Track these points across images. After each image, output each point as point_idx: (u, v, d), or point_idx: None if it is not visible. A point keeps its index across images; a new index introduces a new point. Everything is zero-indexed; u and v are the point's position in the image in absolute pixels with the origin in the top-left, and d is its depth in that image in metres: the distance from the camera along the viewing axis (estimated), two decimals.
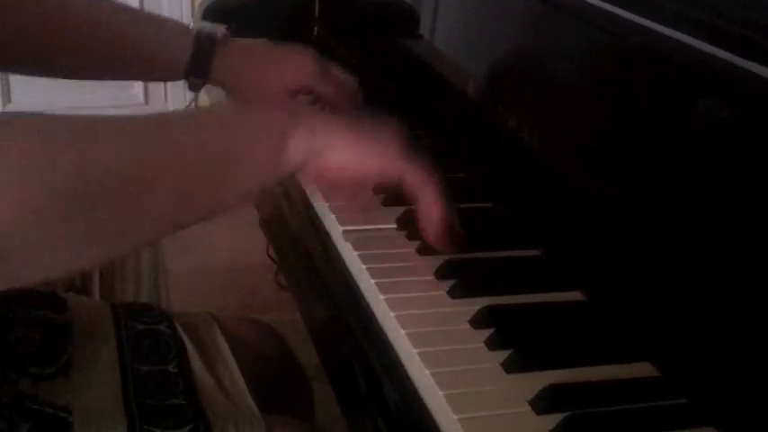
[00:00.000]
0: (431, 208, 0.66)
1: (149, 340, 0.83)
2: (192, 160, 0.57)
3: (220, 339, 0.86)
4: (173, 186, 0.56)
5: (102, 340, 0.81)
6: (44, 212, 0.49)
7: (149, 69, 0.90)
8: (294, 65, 0.90)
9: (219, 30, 0.88)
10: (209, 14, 1.34)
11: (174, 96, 2.58)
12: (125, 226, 0.54)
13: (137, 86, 2.57)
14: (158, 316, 0.87)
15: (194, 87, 0.90)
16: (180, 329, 0.85)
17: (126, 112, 2.59)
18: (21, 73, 0.94)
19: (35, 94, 2.48)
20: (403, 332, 0.60)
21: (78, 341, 0.79)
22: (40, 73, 0.89)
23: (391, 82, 1.14)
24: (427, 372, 0.56)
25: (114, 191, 0.52)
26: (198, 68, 0.88)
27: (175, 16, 2.57)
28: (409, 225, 0.72)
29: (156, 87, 2.58)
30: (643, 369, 0.58)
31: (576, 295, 0.66)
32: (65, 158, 0.50)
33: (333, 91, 0.90)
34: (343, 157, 0.63)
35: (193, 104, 1.04)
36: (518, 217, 0.78)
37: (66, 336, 0.80)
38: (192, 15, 2.55)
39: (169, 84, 2.54)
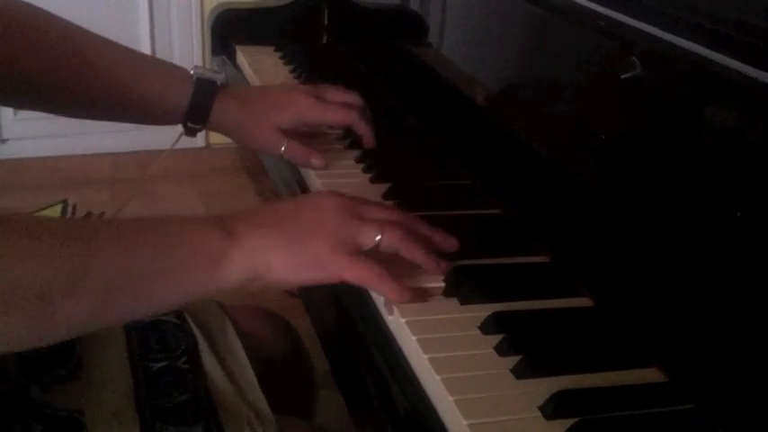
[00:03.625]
0: (387, 295, 0.65)
1: (157, 335, 0.83)
2: (114, 274, 0.57)
3: (231, 332, 0.86)
4: (92, 297, 0.57)
5: (109, 339, 0.81)
6: None
7: (149, 113, 0.91)
8: (288, 103, 0.90)
9: (218, 77, 0.89)
10: (218, 23, 1.35)
11: None
12: (38, 329, 0.56)
13: None
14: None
15: (191, 133, 0.91)
16: (189, 321, 0.85)
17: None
18: (21, 108, 0.94)
19: None
20: (413, 338, 0.60)
21: (86, 341, 0.79)
22: (40, 108, 0.90)
23: (399, 89, 1.14)
24: (437, 377, 0.56)
25: (31, 298, 0.54)
26: (197, 114, 0.89)
27: (185, 25, 2.59)
28: None
29: None
30: (651, 374, 0.58)
31: (584, 301, 0.67)
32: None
33: (333, 114, 0.90)
34: (284, 279, 0.64)
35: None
36: (526, 223, 0.78)
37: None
38: (202, 24, 2.56)
39: None
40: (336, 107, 0.90)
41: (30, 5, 0.84)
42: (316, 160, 0.89)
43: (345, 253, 0.64)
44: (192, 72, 0.89)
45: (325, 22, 1.40)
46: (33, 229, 0.56)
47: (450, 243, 0.69)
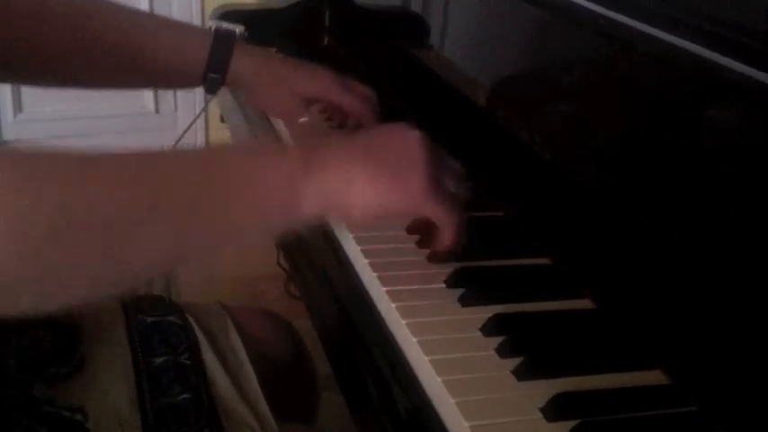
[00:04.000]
0: (445, 239, 0.65)
1: (160, 334, 0.83)
2: (187, 199, 0.55)
3: (233, 333, 0.86)
4: (167, 223, 0.54)
5: (112, 336, 0.81)
6: (29, 251, 0.48)
7: (168, 72, 0.90)
8: (313, 72, 0.90)
9: (239, 28, 0.89)
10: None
11: (183, 105, 2.59)
12: (116, 262, 0.53)
13: (147, 95, 2.58)
14: (168, 308, 0.87)
15: (211, 88, 0.89)
16: (191, 321, 0.85)
17: (136, 120, 2.60)
18: (40, 85, 0.93)
19: (46, 103, 2.50)
20: (414, 340, 0.60)
21: (89, 339, 0.80)
22: (61, 83, 0.89)
23: (400, 91, 1.14)
24: (438, 379, 0.56)
25: (106, 226, 0.51)
26: (216, 65, 0.87)
27: None
28: (419, 232, 0.73)
29: (166, 96, 2.59)
30: (653, 376, 0.58)
31: (585, 303, 0.67)
32: (49, 199, 0.49)
33: (351, 100, 0.90)
34: (366, 209, 0.61)
35: (204, 114, 1.04)
36: (528, 225, 0.78)
37: (76, 334, 0.80)
38: (202, 25, 2.57)
39: (179, 93, 2.55)
40: (356, 95, 0.90)
41: None
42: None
43: (437, 187, 0.62)
44: (210, 25, 0.89)
45: (327, 24, 1.40)
46: (98, 158, 0.53)
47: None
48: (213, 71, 0.88)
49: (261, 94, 0.91)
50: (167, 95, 2.60)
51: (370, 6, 1.31)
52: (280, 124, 0.99)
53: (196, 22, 2.59)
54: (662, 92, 0.65)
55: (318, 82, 0.89)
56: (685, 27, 0.65)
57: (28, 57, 0.81)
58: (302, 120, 0.88)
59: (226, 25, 0.89)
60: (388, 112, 1.11)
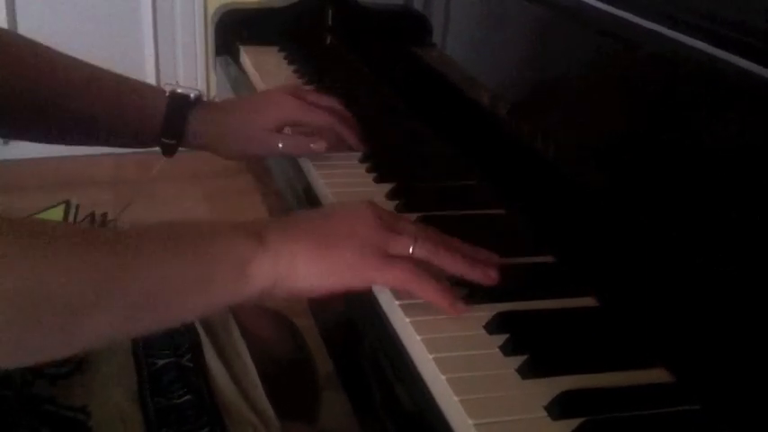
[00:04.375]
0: (427, 296, 0.63)
1: (162, 332, 0.83)
2: (142, 284, 0.56)
3: (235, 332, 0.86)
4: (119, 308, 0.55)
5: None
6: None
7: (125, 137, 0.90)
8: (271, 104, 0.90)
9: (192, 91, 0.89)
10: (222, 24, 1.35)
11: None
12: (64, 342, 0.55)
13: None
14: None
15: (167, 150, 0.90)
16: (194, 321, 0.85)
17: None
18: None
19: None
20: (418, 338, 0.60)
21: None
22: (13, 135, 0.89)
23: (402, 89, 1.14)
24: (443, 377, 0.56)
25: (59, 311, 0.52)
26: (171, 129, 0.88)
27: (188, 25, 2.59)
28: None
29: None
30: (658, 375, 0.58)
31: (589, 301, 0.66)
32: (8, 283, 0.50)
33: (318, 119, 0.90)
34: (309, 280, 0.61)
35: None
36: (531, 223, 0.78)
37: None
38: (205, 25, 2.57)
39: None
40: (318, 109, 0.91)
41: (3, 30, 0.84)
42: (316, 145, 0.88)
43: (377, 256, 0.62)
44: (165, 89, 0.89)
45: (329, 23, 1.40)
46: (56, 238, 0.54)
47: (486, 256, 0.66)
48: (168, 137, 0.89)
49: (230, 146, 0.91)
50: None
51: (372, 5, 1.31)
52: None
53: (199, 21, 2.59)
54: (665, 90, 0.65)
55: (278, 112, 0.89)
56: (690, 25, 0.65)
57: None
58: (279, 146, 0.89)
59: (181, 89, 0.89)
60: (390, 110, 1.11)
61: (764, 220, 0.53)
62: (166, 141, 0.89)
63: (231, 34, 1.35)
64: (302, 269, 0.61)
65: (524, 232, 0.77)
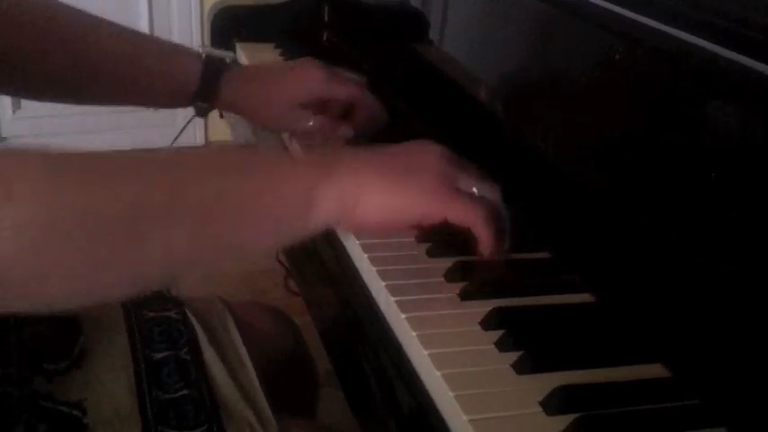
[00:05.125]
0: (481, 241, 0.63)
1: (160, 328, 0.83)
2: (205, 203, 0.55)
3: (233, 328, 0.86)
4: (184, 226, 0.54)
5: (112, 330, 0.81)
6: (49, 251, 0.49)
7: (159, 96, 0.91)
8: (300, 77, 0.90)
9: (229, 55, 0.89)
10: (218, 20, 1.35)
11: None
12: (132, 261, 0.53)
13: None
14: (168, 303, 0.87)
15: (201, 112, 0.91)
16: (191, 316, 0.85)
17: (134, 116, 2.60)
18: (30, 98, 0.94)
19: None
20: (414, 334, 0.60)
21: (89, 332, 0.80)
22: (53, 98, 0.90)
23: (400, 86, 1.14)
24: (438, 373, 0.56)
25: (123, 225, 0.51)
26: (205, 92, 0.88)
27: (184, 21, 2.59)
28: (428, 239, 0.72)
29: None
30: (654, 370, 0.58)
31: (585, 297, 0.67)
32: (72, 200, 0.50)
33: (345, 93, 0.90)
34: (378, 212, 0.61)
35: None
36: (528, 219, 0.78)
37: (76, 327, 0.80)
38: (201, 21, 2.56)
39: None
40: (346, 83, 0.90)
41: None
42: (341, 130, 0.88)
43: (446, 190, 0.61)
44: (200, 51, 0.89)
45: (326, 19, 1.40)
46: (129, 160, 0.54)
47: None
48: (201, 99, 0.89)
49: (256, 114, 0.92)
50: None
51: (369, 2, 1.31)
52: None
53: (195, 18, 2.59)
54: (664, 87, 0.65)
55: (308, 85, 0.89)
56: (691, 22, 0.65)
57: (28, 71, 0.82)
58: (309, 124, 0.88)
59: (217, 52, 0.90)
60: (388, 108, 1.11)
61: (763, 216, 0.54)
62: (200, 104, 0.89)
63: (227, 31, 1.34)
64: (368, 200, 0.60)
65: (521, 228, 0.77)
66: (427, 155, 0.63)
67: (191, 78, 0.88)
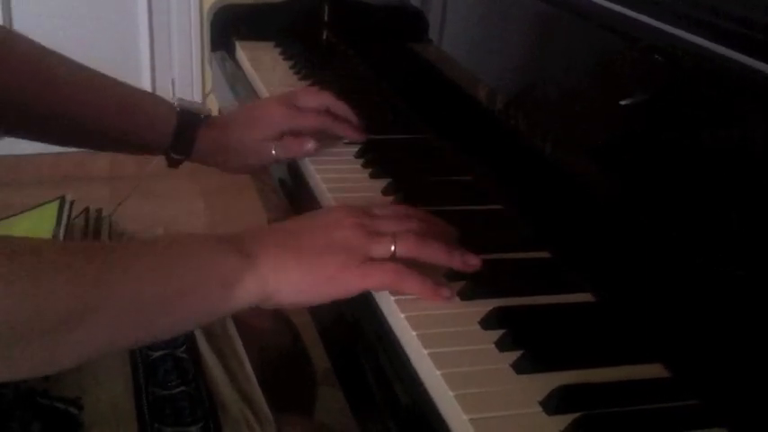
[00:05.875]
0: (412, 290, 0.64)
1: None
2: (128, 303, 0.57)
3: (231, 326, 0.86)
4: (104, 325, 0.56)
5: None
6: None
7: (132, 145, 0.92)
8: (262, 118, 0.91)
9: (202, 108, 0.91)
10: (218, 20, 1.35)
11: None
12: (48, 359, 0.55)
13: None
14: None
15: (173, 164, 0.92)
16: None
17: None
18: (10, 135, 0.94)
19: None
20: (414, 333, 0.60)
21: None
22: (29, 136, 0.90)
23: (399, 85, 1.14)
24: (438, 372, 0.56)
25: (49, 327, 0.53)
26: (181, 146, 0.90)
27: (184, 20, 2.59)
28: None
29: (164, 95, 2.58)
30: (654, 370, 0.58)
31: (585, 297, 0.66)
32: (9, 292, 0.51)
33: (308, 123, 0.91)
34: (297, 295, 0.63)
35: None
36: (527, 219, 0.78)
37: None
38: (201, 21, 2.56)
39: (176, 92, 2.55)
40: (309, 114, 0.91)
41: (18, 35, 0.85)
42: (309, 144, 0.89)
43: (358, 264, 0.63)
44: (175, 104, 0.90)
45: (326, 18, 1.40)
46: (42, 258, 0.54)
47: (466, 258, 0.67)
48: (177, 152, 0.90)
49: (230, 161, 0.93)
50: (164, 95, 2.59)
51: (369, 1, 1.31)
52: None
53: (194, 13, 2.58)
54: (663, 86, 0.65)
55: (270, 126, 0.90)
56: (690, 21, 0.65)
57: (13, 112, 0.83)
58: (272, 153, 0.90)
59: (192, 106, 0.91)
60: (387, 107, 1.11)
61: (763, 217, 0.54)
62: (175, 156, 0.90)
63: (227, 29, 1.35)
64: (287, 285, 0.62)
65: (521, 228, 0.77)
66: (336, 230, 0.65)
67: (165, 130, 0.89)
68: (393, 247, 0.64)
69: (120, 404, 0.74)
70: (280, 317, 1.01)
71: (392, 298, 0.64)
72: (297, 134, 0.91)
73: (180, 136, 0.89)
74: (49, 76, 0.85)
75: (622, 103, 0.69)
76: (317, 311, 0.80)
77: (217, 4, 1.36)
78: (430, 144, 0.98)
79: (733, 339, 0.54)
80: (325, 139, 0.92)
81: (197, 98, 2.49)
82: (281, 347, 0.97)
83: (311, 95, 0.94)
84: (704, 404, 0.54)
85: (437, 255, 0.65)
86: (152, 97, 0.93)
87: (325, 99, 0.94)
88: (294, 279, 0.62)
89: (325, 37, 1.41)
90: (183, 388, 0.76)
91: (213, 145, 0.91)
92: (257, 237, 0.64)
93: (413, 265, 0.64)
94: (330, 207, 0.68)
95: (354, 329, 0.68)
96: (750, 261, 0.54)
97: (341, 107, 0.94)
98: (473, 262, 0.66)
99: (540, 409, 0.53)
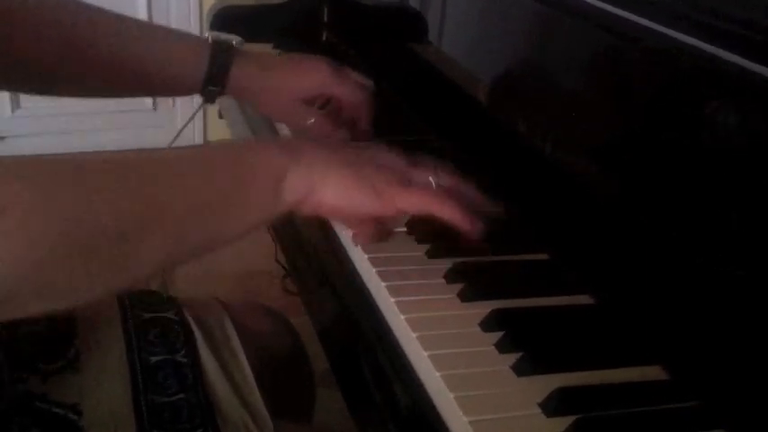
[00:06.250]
0: (455, 222, 0.65)
1: (156, 329, 0.83)
2: (187, 205, 0.58)
3: (230, 329, 0.86)
4: (168, 230, 0.57)
5: (108, 331, 0.81)
6: (44, 259, 0.51)
7: (170, 84, 0.90)
8: (309, 70, 0.90)
9: (236, 39, 0.89)
10: (218, 21, 1.35)
11: (182, 101, 2.59)
12: (123, 268, 0.56)
13: None
14: (165, 303, 0.87)
15: (210, 98, 0.90)
16: (188, 317, 0.85)
17: (134, 116, 2.60)
18: (37, 92, 0.95)
19: (43, 99, 2.50)
20: (413, 335, 0.60)
21: (84, 333, 0.79)
22: (57, 92, 0.90)
23: (399, 86, 1.14)
24: (437, 374, 0.56)
25: (112, 238, 0.54)
26: (216, 78, 0.88)
27: (183, 22, 2.59)
28: (418, 228, 0.73)
29: None
30: (653, 372, 0.58)
31: (585, 299, 0.66)
32: (64, 209, 0.52)
33: (348, 91, 0.90)
34: (337, 200, 0.64)
35: (202, 111, 1.04)
36: (527, 221, 0.78)
37: (70, 328, 0.79)
38: (201, 22, 2.56)
39: None
40: (352, 85, 0.90)
41: None
42: (344, 132, 0.88)
43: (402, 183, 0.64)
44: (207, 36, 0.89)
45: (325, 20, 1.40)
46: (111, 165, 0.56)
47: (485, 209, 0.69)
48: (212, 84, 0.89)
49: (262, 102, 0.91)
50: None
51: (368, 2, 1.31)
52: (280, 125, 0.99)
53: (194, 19, 2.59)
54: (663, 88, 0.65)
55: (315, 80, 0.89)
56: (688, 22, 0.65)
57: (24, 63, 0.82)
58: (310, 122, 0.88)
59: (224, 36, 0.90)
60: (387, 108, 1.11)
61: (760, 218, 0.54)
62: (211, 88, 0.89)
63: (226, 31, 1.34)
64: (332, 187, 0.63)
65: (520, 229, 0.77)
66: (383, 154, 0.67)
67: (200, 63, 0.87)
68: (432, 179, 0.66)
69: (119, 409, 0.73)
70: (279, 319, 1.01)
71: (392, 299, 0.64)
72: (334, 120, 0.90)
73: (215, 65, 0.87)
74: (99, 28, 0.85)
75: (621, 104, 0.70)
76: (316, 312, 0.80)
77: (216, 5, 1.36)
78: (430, 145, 0.98)
79: (732, 341, 0.54)
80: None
81: (196, 99, 2.49)
82: (279, 350, 0.97)
83: (357, 74, 0.93)
84: (703, 406, 0.54)
85: (459, 206, 0.65)
86: (183, 32, 0.92)
87: (367, 80, 0.93)
88: (339, 181, 0.63)
89: (324, 38, 1.41)
90: (182, 395, 0.76)
91: (248, 81, 0.89)
92: (307, 143, 0.66)
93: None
94: (374, 143, 0.70)
95: (354, 331, 0.68)
96: (748, 263, 0.54)
97: (372, 99, 0.93)
98: (478, 229, 0.66)
99: (540, 410, 0.53)
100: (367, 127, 0.92)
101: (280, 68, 0.90)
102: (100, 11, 0.85)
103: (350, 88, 0.89)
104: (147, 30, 0.89)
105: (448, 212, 0.64)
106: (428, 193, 0.65)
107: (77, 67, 0.84)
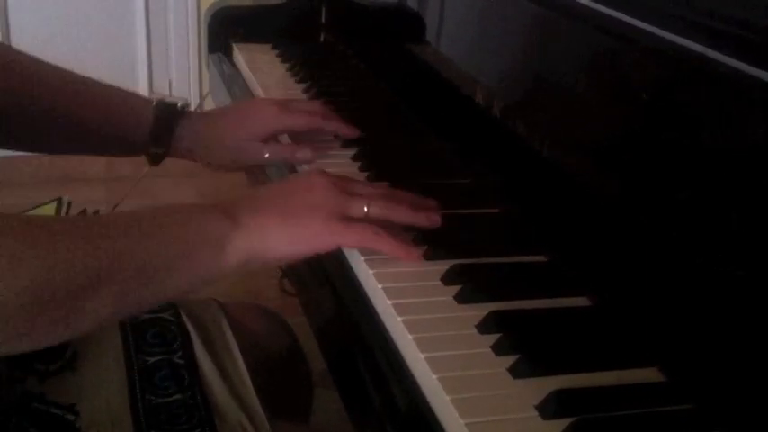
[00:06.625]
0: (385, 250, 0.68)
1: (154, 330, 0.83)
2: (132, 268, 0.60)
3: (227, 329, 0.86)
4: (111, 290, 0.58)
5: (105, 332, 0.81)
6: (10, 309, 0.53)
7: (111, 144, 0.92)
8: (254, 114, 0.91)
9: (180, 100, 0.91)
10: (215, 21, 1.35)
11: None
12: (67, 323, 0.58)
13: (141, 93, 2.57)
14: (163, 304, 0.87)
15: (155, 160, 0.91)
16: (185, 317, 0.85)
17: None
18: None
19: None
20: (410, 337, 0.60)
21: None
22: (5, 145, 0.90)
23: (397, 87, 1.14)
24: (434, 376, 0.56)
25: (62, 300, 0.56)
26: (159, 140, 0.89)
27: (181, 22, 2.58)
28: (416, 230, 0.73)
29: (159, 95, 2.58)
30: (649, 374, 0.58)
31: (582, 301, 0.66)
32: (32, 265, 0.54)
33: (301, 120, 0.91)
34: (280, 254, 0.67)
35: (201, 107, 1.04)
36: (525, 222, 0.78)
37: None
38: (198, 23, 2.56)
39: (174, 92, 2.55)
40: (300, 114, 0.91)
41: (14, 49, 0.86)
42: (301, 153, 0.89)
43: (337, 221, 0.67)
44: (152, 99, 0.90)
45: (323, 20, 1.40)
46: (56, 231, 0.57)
47: (429, 205, 0.73)
48: (156, 146, 0.90)
49: (215, 154, 0.92)
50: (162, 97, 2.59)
51: (366, 3, 1.31)
52: None
53: (192, 15, 2.58)
54: (658, 89, 0.65)
55: (262, 122, 0.90)
56: (686, 24, 0.65)
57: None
58: (265, 156, 0.90)
59: (170, 99, 0.91)
60: (384, 108, 1.11)
61: (759, 219, 0.54)
62: (154, 150, 0.90)
63: (225, 31, 1.34)
64: (272, 241, 0.66)
65: (518, 231, 0.77)
66: (315, 191, 0.69)
67: (142, 124, 0.89)
68: (366, 208, 0.68)
69: (116, 410, 0.73)
70: (276, 319, 1.01)
71: (389, 302, 0.64)
72: (296, 141, 0.91)
73: (158, 128, 0.89)
74: (42, 84, 0.85)
75: (619, 105, 0.70)
76: (313, 313, 0.80)
77: (214, 5, 1.36)
78: (428, 146, 0.98)
79: (729, 343, 0.54)
80: (321, 143, 0.92)
81: (194, 100, 2.49)
82: (277, 350, 0.97)
83: (302, 102, 0.96)
84: (700, 408, 0.54)
85: (405, 214, 0.70)
86: (128, 92, 0.93)
87: (315, 105, 0.95)
88: (278, 236, 0.66)
89: (322, 38, 1.41)
90: (179, 396, 0.76)
91: (195, 138, 0.91)
92: (242, 202, 0.68)
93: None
94: (306, 171, 0.74)
95: (351, 332, 0.68)
96: (746, 265, 0.54)
97: (329, 113, 0.94)
98: (435, 218, 0.71)
99: (537, 413, 0.53)
100: (345, 131, 0.93)
101: (225, 119, 0.92)
102: (46, 65, 0.87)
103: (301, 117, 0.91)
104: (91, 87, 0.90)
105: (384, 247, 0.67)
106: (364, 232, 0.67)
107: (17, 121, 0.85)
